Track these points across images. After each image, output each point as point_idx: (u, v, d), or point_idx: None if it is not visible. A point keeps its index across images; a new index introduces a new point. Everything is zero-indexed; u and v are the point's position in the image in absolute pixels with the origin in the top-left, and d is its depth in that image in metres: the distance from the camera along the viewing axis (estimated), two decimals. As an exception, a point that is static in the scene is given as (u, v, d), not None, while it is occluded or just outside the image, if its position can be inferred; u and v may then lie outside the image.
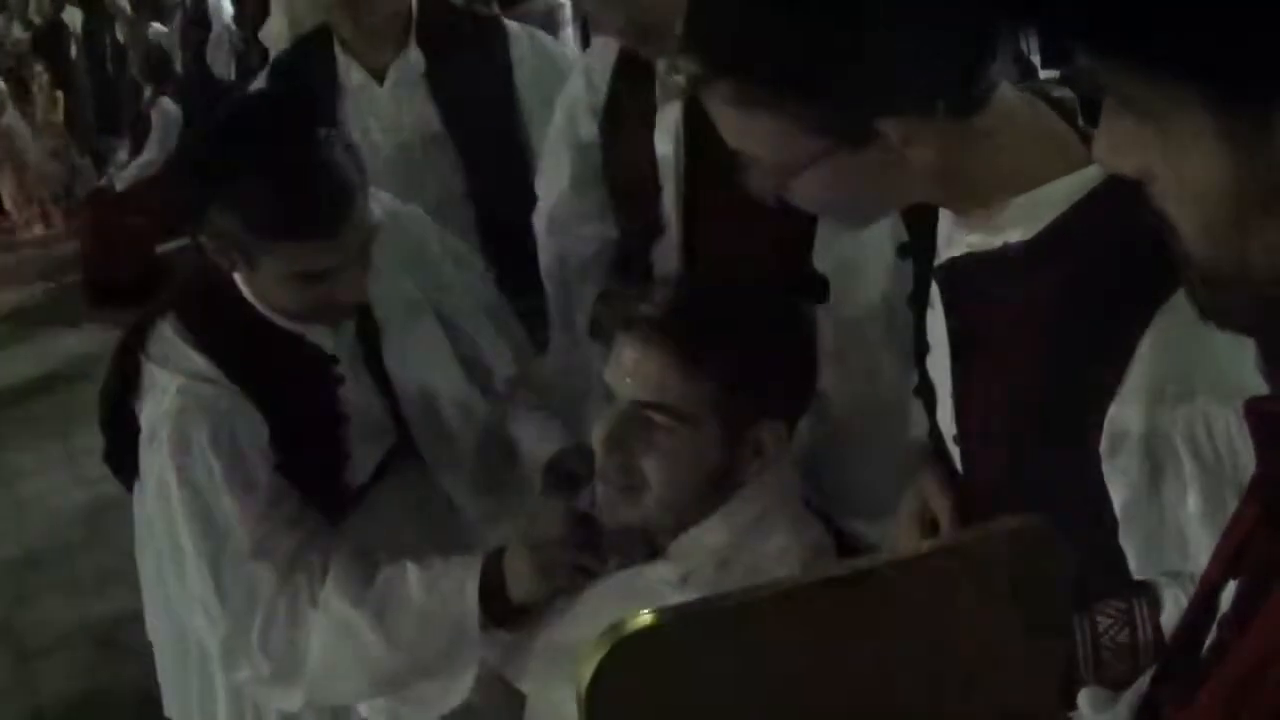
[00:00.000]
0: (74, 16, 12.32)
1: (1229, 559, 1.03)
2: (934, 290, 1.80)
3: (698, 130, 2.59)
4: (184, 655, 2.65)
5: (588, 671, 0.98)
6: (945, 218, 1.74)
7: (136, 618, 4.68)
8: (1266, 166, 0.82)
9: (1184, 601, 1.57)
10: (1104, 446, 1.51)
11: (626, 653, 0.98)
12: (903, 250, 1.95)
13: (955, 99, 1.48)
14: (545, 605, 2.17)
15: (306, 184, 2.14)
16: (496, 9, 3.48)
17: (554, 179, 2.97)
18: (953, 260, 1.68)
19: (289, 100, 2.44)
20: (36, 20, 12.35)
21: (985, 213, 1.61)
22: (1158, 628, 1.62)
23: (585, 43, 6.02)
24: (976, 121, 1.51)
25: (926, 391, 1.92)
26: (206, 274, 2.37)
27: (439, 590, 2.20)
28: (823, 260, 2.51)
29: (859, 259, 2.45)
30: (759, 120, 1.54)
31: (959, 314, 1.71)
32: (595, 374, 2.47)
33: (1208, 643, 1.03)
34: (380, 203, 2.57)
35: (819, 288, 2.51)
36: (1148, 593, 1.63)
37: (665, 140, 2.64)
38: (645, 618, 0.99)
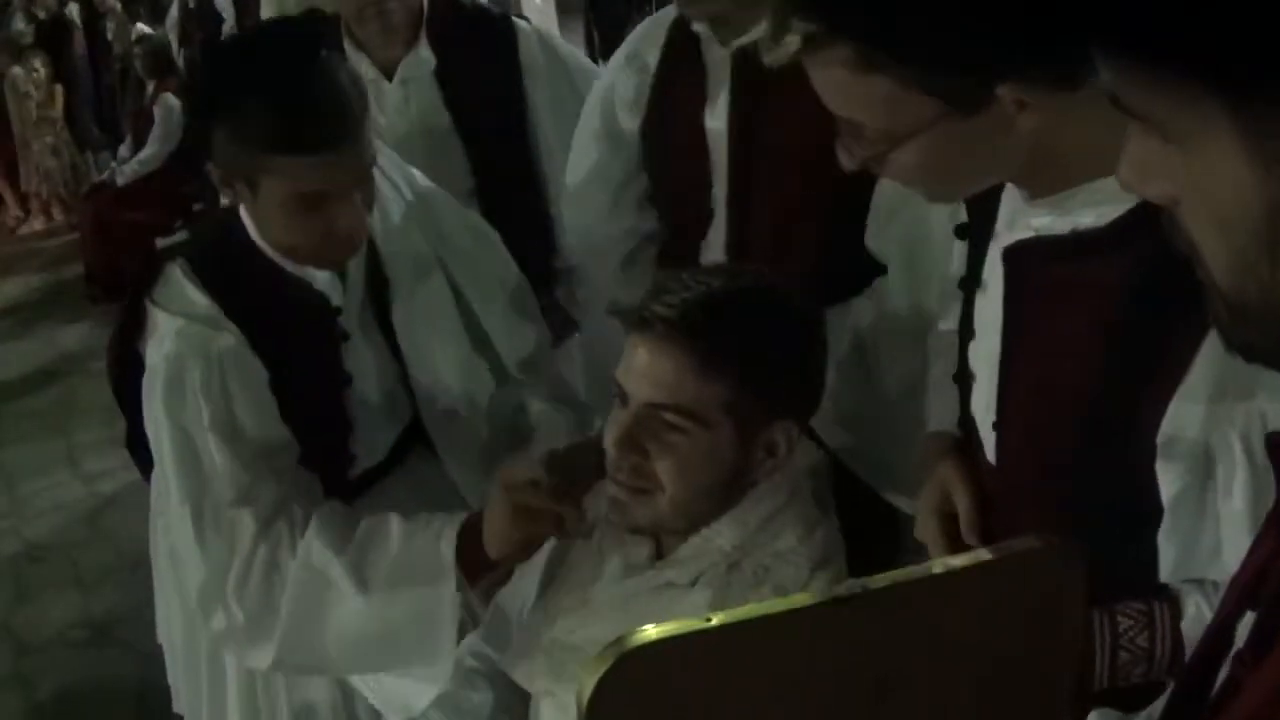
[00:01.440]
0: (77, 12, 12.33)
1: (1246, 589, 1.02)
2: (986, 274, 1.79)
3: (748, 115, 2.58)
4: (195, 652, 2.64)
5: (589, 685, 0.96)
6: (1010, 199, 1.73)
7: (135, 615, 4.68)
8: None
9: (1205, 610, 1.57)
10: (1161, 439, 1.51)
11: (629, 668, 0.96)
12: (960, 231, 1.94)
13: (1068, 67, 1.46)
14: (519, 563, 2.20)
15: (307, 97, 2.16)
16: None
17: (592, 177, 2.96)
18: (1021, 243, 1.67)
19: (294, 23, 2.42)
20: (41, 15, 12.33)
21: (1058, 195, 1.60)
22: (1177, 634, 1.62)
23: (588, 41, 6.03)
24: (1077, 96, 1.49)
25: (963, 378, 1.91)
26: (219, 223, 2.41)
27: (417, 540, 2.21)
28: (877, 241, 2.51)
29: (923, 239, 2.45)
30: (873, 84, 1.52)
31: (1019, 298, 1.70)
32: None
33: (1221, 677, 1.01)
34: (400, 168, 2.63)
35: (870, 271, 2.51)
36: (1170, 598, 1.63)
37: (718, 125, 2.63)
38: (649, 632, 0.97)
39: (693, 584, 1.98)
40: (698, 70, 2.68)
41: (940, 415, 2.08)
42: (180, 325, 2.31)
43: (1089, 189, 1.56)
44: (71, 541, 5.85)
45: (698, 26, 2.68)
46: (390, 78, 3.42)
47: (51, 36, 11.86)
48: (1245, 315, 0.87)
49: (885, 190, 2.50)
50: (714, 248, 2.73)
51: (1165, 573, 1.62)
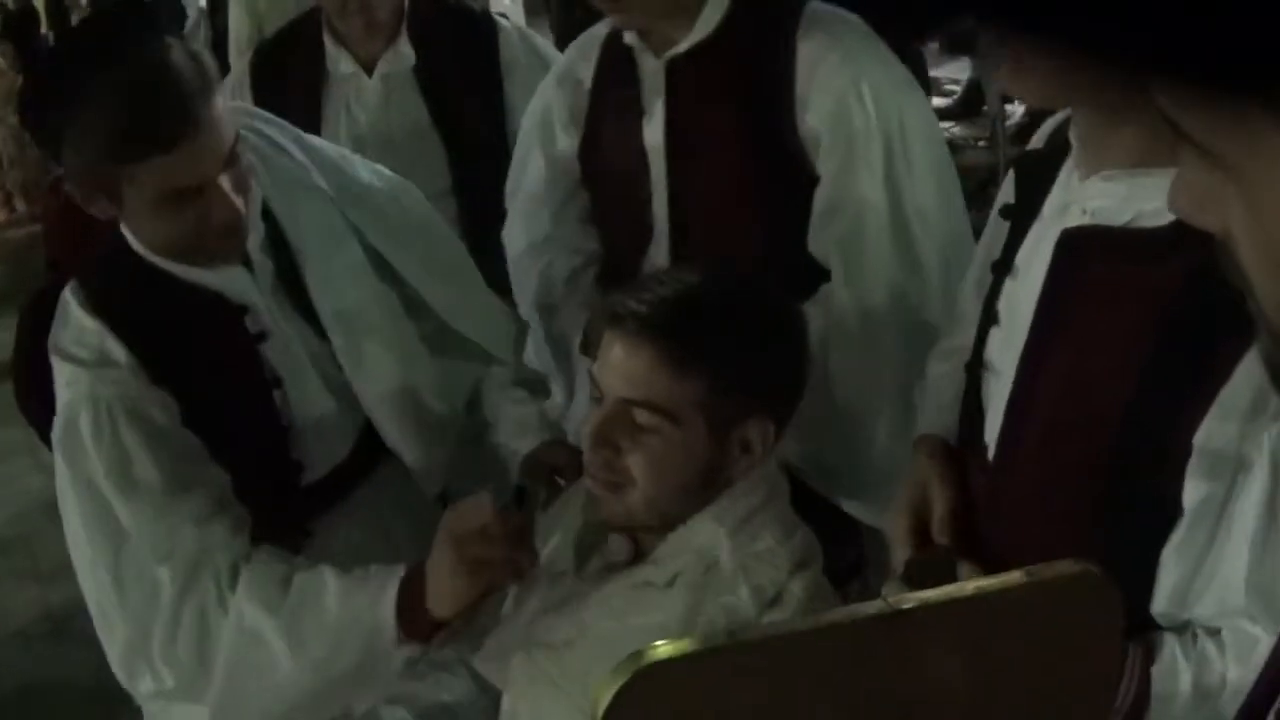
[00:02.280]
0: (43, 4, 12.27)
1: None
2: (1021, 260, 1.77)
3: (683, 127, 2.58)
4: None
5: (605, 700, 0.94)
6: (1063, 186, 1.73)
7: (94, 608, 4.60)
8: None
9: (1179, 659, 1.57)
10: (1198, 440, 1.51)
11: (645, 684, 0.95)
12: (1005, 212, 1.93)
13: None
14: (472, 617, 2.10)
15: (139, 98, 2.01)
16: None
17: (533, 196, 2.94)
18: (1079, 229, 1.66)
19: (116, 21, 2.16)
20: (9, 4, 12.27)
21: (1124, 172, 1.58)
22: (1145, 678, 1.62)
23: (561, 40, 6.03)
24: None
25: (975, 367, 1.90)
26: (109, 238, 2.26)
27: (354, 602, 2.09)
28: (818, 244, 2.50)
29: (858, 238, 2.45)
30: None
31: (1063, 288, 1.70)
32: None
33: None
34: (292, 137, 2.50)
35: (815, 276, 2.51)
36: (1146, 642, 1.62)
37: (655, 140, 2.63)
38: (666, 649, 0.96)
39: (670, 584, 1.98)
40: (633, 85, 2.68)
41: (935, 417, 2.07)
42: (69, 372, 2.18)
43: (1162, 173, 1.55)
44: (31, 532, 5.78)
45: (629, 39, 2.68)
46: (370, 73, 3.43)
47: (18, 27, 11.80)
48: None
49: (824, 192, 2.53)
50: (656, 264, 2.71)
51: (1163, 593, 1.62)
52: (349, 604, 2.09)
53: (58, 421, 2.18)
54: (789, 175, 2.55)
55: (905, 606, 0.97)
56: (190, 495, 2.16)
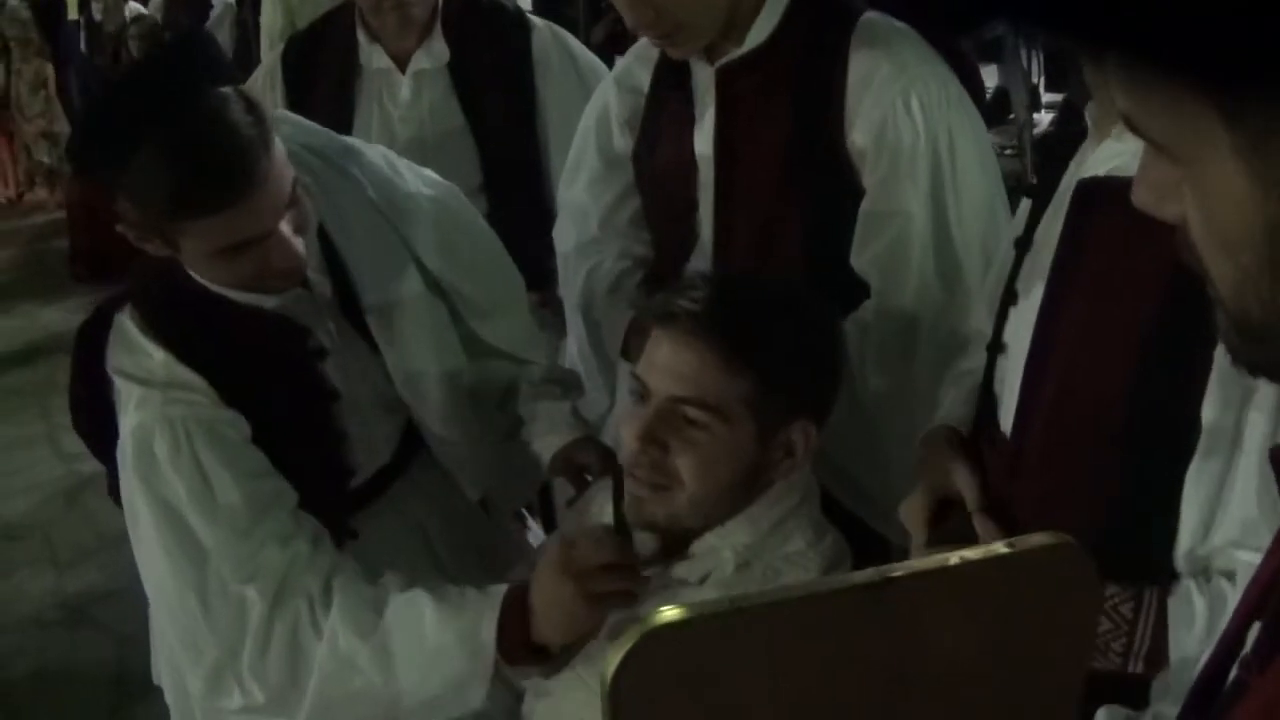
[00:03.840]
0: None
1: (1256, 599, 1.03)
2: (1039, 235, 1.80)
3: (730, 135, 2.58)
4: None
5: (614, 663, 0.97)
6: (1078, 160, 1.75)
7: (110, 596, 4.63)
8: None
9: (1194, 590, 1.59)
10: (1216, 357, 1.53)
11: (652, 646, 0.98)
12: (1029, 191, 1.95)
13: None
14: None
15: (200, 155, 1.96)
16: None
17: (586, 195, 2.92)
18: (1094, 179, 1.69)
19: (172, 69, 2.11)
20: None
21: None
22: (1162, 617, 1.64)
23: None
24: None
25: (994, 349, 1.91)
26: (158, 266, 2.20)
27: (452, 628, 2.08)
28: (860, 259, 2.50)
29: (901, 260, 2.44)
30: None
31: (1076, 235, 1.71)
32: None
33: (1229, 680, 1.03)
34: (342, 151, 2.48)
35: (856, 291, 2.50)
36: (1162, 584, 1.63)
37: (705, 148, 2.62)
38: (672, 612, 0.99)
39: (701, 582, 1.99)
40: (686, 92, 2.66)
41: (949, 410, 2.08)
42: (139, 394, 2.15)
43: None
44: (49, 520, 5.82)
45: None
46: (403, 69, 3.43)
47: (45, 15, 11.85)
48: (1250, 332, 0.88)
49: (867, 206, 2.50)
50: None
51: (1187, 529, 1.62)
52: (446, 630, 2.08)
53: (127, 444, 2.16)
54: (835, 188, 2.51)
55: (894, 575, 1.00)
56: (271, 513, 2.16)
